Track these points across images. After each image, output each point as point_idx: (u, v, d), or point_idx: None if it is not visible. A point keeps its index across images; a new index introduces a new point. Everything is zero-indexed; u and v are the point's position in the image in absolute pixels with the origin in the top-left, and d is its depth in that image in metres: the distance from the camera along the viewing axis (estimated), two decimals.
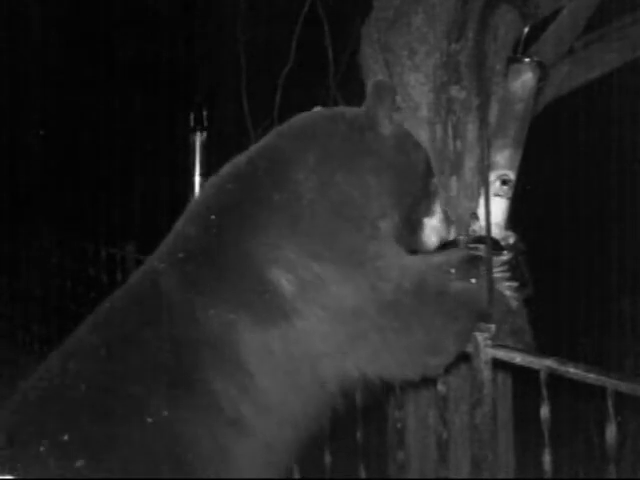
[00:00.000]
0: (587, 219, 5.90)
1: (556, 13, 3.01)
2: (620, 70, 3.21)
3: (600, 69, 3.15)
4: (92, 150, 8.01)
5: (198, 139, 3.14)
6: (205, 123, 3.15)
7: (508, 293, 1.91)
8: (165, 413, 1.59)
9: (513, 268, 1.93)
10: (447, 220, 1.96)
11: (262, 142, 1.88)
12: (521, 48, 2.09)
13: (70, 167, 8.08)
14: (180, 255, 1.74)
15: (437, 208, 1.97)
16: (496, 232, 1.95)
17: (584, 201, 6.06)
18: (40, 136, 8.35)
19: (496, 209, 1.97)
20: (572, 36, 3.04)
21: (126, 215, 7.77)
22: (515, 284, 1.93)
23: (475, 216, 1.99)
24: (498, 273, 1.90)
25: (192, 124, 3.14)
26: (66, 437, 1.52)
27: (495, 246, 1.92)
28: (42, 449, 1.50)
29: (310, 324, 1.66)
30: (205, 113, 3.16)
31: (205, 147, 3.15)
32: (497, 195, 1.96)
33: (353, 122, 1.85)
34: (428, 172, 1.95)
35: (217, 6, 6.78)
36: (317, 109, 1.96)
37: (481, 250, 1.90)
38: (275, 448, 1.70)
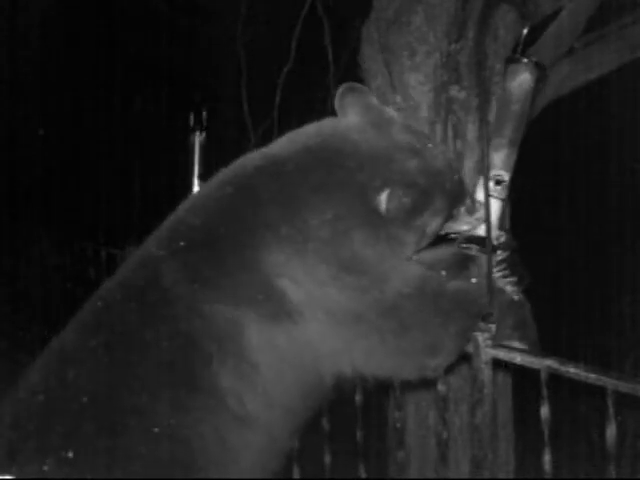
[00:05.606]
0: (587, 219, 5.90)
1: (556, 13, 3.01)
2: (620, 70, 3.21)
3: (599, 69, 3.15)
4: (92, 150, 8.01)
5: (197, 140, 3.12)
6: (204, 123, 3.14)
7: (509, 288, 1.93)
8: (171, 420, 1.57)
9: (510, 265, 1.94)
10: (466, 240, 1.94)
11: (273, 148, 1.83)
12: (520, 48, 2.09)
13: (70, 167, 8.07)
14: (182, 244, 1.69)
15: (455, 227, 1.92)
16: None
17: (584, 201, 6.06)
18: (40, 136, 8.35)
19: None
20: (572, 36, 3.04)
21: (126, 215, 7.76)
22: (514, 279, 1.94)
23: None
24: (496, 272, 1.91)
25: (191, 124, 3.13)
26: (70, 454, 1.49)
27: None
28: (45, 467, 1.47)
29: (312, 326, 1.69)
30: (204, 113, 3.14)
31: (204, 148, 3.14)
32: (490, 195, 1.95)
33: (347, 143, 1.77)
34: (441, 198, 1.80)
35: (217, 6, 6.77)
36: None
37: (473, 249, 1.91)
38: (278, 438, 1.73)
